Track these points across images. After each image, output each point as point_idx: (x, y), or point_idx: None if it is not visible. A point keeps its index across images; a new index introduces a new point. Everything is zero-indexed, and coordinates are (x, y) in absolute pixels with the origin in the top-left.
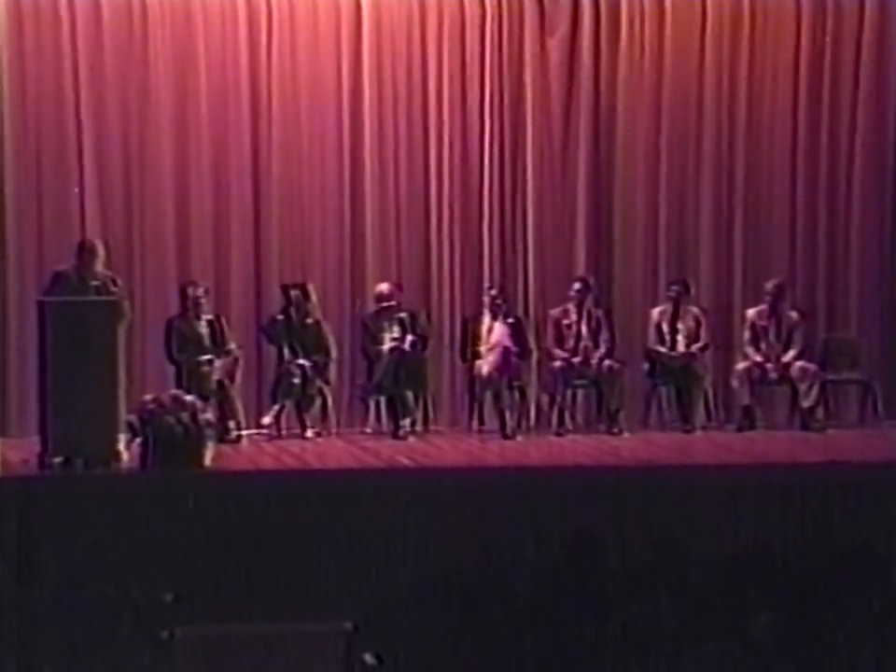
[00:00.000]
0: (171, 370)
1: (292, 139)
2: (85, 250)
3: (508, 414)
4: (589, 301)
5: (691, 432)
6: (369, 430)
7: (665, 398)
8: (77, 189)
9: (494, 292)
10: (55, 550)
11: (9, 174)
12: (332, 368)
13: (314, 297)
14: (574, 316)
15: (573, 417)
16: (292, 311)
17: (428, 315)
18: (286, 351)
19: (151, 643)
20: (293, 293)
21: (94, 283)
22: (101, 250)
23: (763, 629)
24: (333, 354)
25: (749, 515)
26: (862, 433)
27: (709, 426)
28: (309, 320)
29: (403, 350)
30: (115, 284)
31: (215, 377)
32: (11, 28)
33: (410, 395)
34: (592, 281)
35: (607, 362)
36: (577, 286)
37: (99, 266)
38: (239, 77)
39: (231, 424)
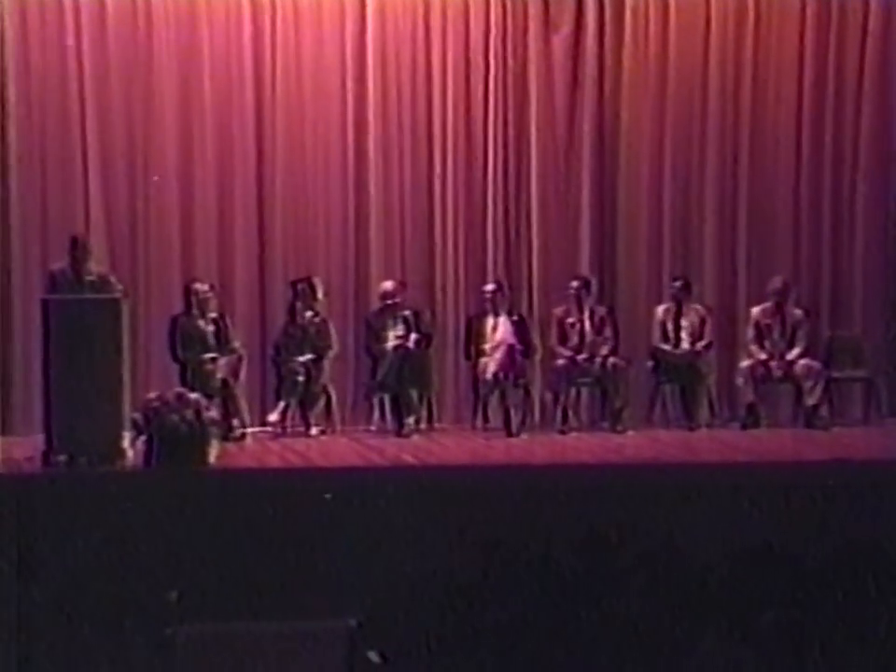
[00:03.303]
0: (175, 368)
1: (296, 138)
2: (77, 247)
3: (512, 412)
4: (590, 299)
5: (695, 430)
6: (373, 428)
7: (669, 395)
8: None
9: (491, 287)
10: (59, 548)
11: (14, 172)
12: (326, 365)
13: (320, 293)
14: (577, 314)
15: (577, 415)
16: (298, 305)
17: (433, 313)
18: (284, 350)
19: (155, 641)
20: (300, 286)
21: (89, 278)
22: (91, 246)
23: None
24: (335, 349)
25: (754, 513)
26: (867, 431)
27: (713, 423)
28: (316, 318)
29: (407, 348)
30: (106, 280)
31: (219, 375)
32: (17, 31)
33: (414, 393)
34: (592, 279)
35: (611, 360)
36: (575, 283)
37: (92, 262)
38: (243, 74)
39: (236, 422)
